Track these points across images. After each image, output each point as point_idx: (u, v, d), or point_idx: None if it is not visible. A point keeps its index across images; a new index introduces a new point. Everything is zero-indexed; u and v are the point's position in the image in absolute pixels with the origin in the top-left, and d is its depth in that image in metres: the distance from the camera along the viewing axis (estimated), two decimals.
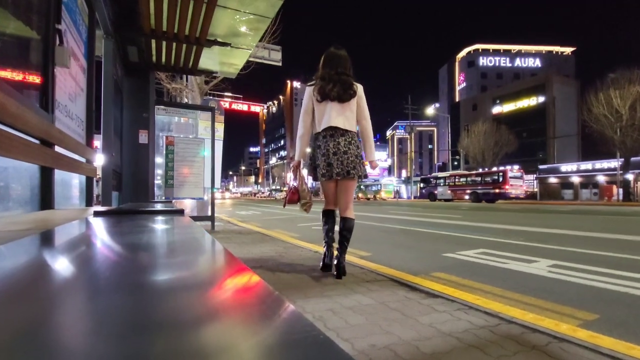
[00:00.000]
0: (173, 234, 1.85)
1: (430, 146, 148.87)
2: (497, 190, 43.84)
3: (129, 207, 3.45)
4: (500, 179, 43.77)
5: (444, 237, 9.43)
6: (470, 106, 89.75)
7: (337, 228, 4.96)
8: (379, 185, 71.73)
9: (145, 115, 8.73)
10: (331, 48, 5.02)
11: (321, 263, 5.09)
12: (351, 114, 4.87)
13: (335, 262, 4.86)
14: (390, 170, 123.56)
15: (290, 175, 5.33)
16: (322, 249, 6.18)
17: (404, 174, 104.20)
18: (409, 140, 79.03)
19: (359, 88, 4.91)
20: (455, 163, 77.08)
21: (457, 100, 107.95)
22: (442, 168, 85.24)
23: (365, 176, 4.93)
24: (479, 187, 46.00)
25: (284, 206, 5.24)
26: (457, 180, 49.69)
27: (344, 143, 4.80)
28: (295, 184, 5.22)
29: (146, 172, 8.64)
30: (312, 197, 5.32)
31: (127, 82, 8.56)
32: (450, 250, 7.34)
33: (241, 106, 60.90)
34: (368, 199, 68.50)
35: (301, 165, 5.09)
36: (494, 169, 49.46)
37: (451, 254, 6.87)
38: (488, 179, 45.30)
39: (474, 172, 49.76)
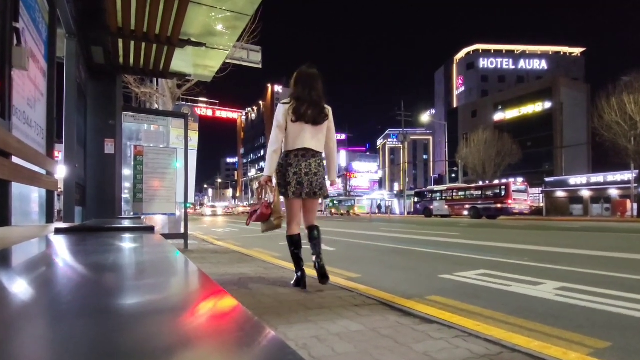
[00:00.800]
0: (142, 253, 1.87)
1: (425, 156, 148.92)
2: (499, 205, 43.81)
3: (93, 224, 3.44)
4: (503, 192, 43.82)
5: (440, 257, 9.47)
6: (469, 112, 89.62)
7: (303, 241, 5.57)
8: (353, 201, 75.49)
9: (111, 122, 8.66)
10: (303, 67, 5.60)
11: (293, 281, 5.78)
12: (322, 137, 5.57)
13: (315, 265, 5.57)
14: (381, 183, 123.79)
15: (254, 189, 5.73)
16: (308, 271, 6.35)
17: (396, 187, 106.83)
18: (402, 150, 79.25)
19: (329, 111, 5.61)
20: (453, 175, 77.42)
21: (455, 105, 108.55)
22: (439, 181, 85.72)
23: (327, 197, 5.79)
24: (479, 202, 46.06)
25: (247, 223, 5.90)
26: (455, 194, 49.99)
27: (315, 165, 5.51)
28: (268, 199, 5.79)
29: (113, 186, 8.56)
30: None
31: (92, 86, 8.50)
32: (447, 271, 7.37)
33: (218, 112, 60.70)
34: (342, 214, 71.20)
35: (272, 181, 5.60)
36: (496, 181, 49.92)
37: (448, 275, 6.93)
38: (489, 192, 45.42)
39: (473, 185, 50.42)
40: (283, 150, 5.48)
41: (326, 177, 5.76)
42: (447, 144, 76.15)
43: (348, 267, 7.82)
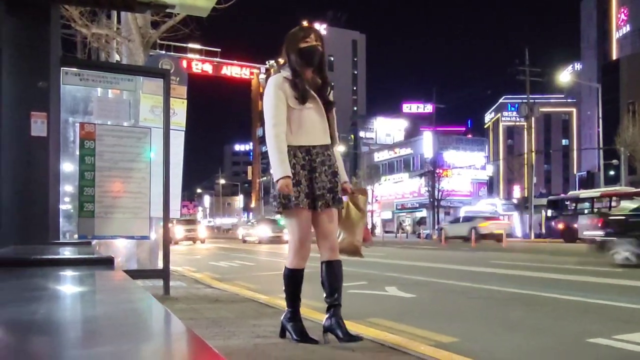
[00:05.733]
0: (92, 303, 1.41)
1: (565, 141, 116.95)
2: None
3: (12, 255, 2.89)
4: None
5: (591, 309, 7.57)
6: (638, 68, 69.05)
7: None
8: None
9: (41, 84, 6.31)
10: (297, 29, 4.87)
11: (293, 330, 4.66)
12: (327, 126, 4.92)
13: (328, 323, 4.55)
14: (491, 185, 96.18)
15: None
16: (361, 328, 5.44)
17: (517, 192, 77.41)
18: (525, 131, 60.76)
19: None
20: (612, 172, 58.67)
21: (614, 56, 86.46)
22: (587, 182, 66.69)
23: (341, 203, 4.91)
24: None
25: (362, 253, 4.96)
26: (614, 203, 36.18)
27: (327, 159, 4.74)
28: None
29: (44, 190, 6.38)
30: None
31: (9, 25, 6.33)
32: (603, 332, 5.73)
33: (221, 69, 45.64)
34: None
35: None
36: None
37: (605, 340, 5.34)
38: None
39: None
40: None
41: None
42: (601, 120, 57.19)
43: (437, 326, 6.12)
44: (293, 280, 4.79)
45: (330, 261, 4.74)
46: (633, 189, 38.30)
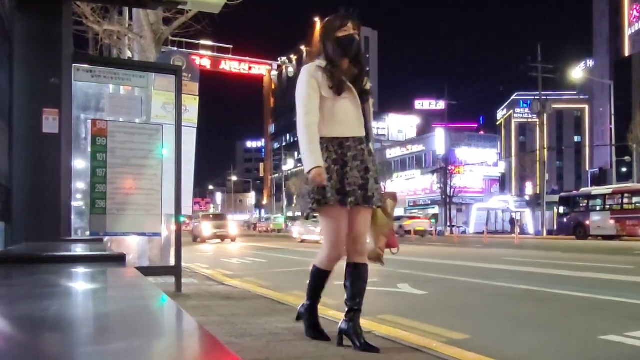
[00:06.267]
0: (105, 300, 1.45)
1: (577, 138, 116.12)
2: None
3: (24, 251, 2.98)
4: None
5: (603, 306, 7.53)
6: None
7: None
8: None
9: (53, 81, 6.31)
10: (334, 17, 4.67)
11: (306, 324, 4.69)
12: (362, 118, 4.71)
13: (345, 326, 4.37)
14: (503, 182, 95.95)
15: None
16: (373, 325, 5.44)
17: (529, 188, 78.16)
18: (538, 127, 60.85)
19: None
20: (624, 169, 59.94)
21: (627, 53, 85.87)
22: (600, 179, 64.91)
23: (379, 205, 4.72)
24: None
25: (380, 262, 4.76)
26: (626, 200, 36.28)
27: (371, 158, 4.64)
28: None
29: (56, 187, 6.39)
30: None
31: (22, 22, 6.40)
32: (614, 329, 5.68)
33: (232, 65, 44.53)
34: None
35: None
36: None
37: (617, 337, 5.30)
38: None
39: None
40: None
41: None
42: (613, 116, 57.57)
43: (449, 322, 6.09)
44: (318, 279, 4.64)
45: (357, 264, 4.54)
46: None
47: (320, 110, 4.48)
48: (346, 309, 4.50)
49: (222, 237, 38.21)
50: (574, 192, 48.80)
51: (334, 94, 4.44)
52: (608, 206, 36.58)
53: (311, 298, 4.73)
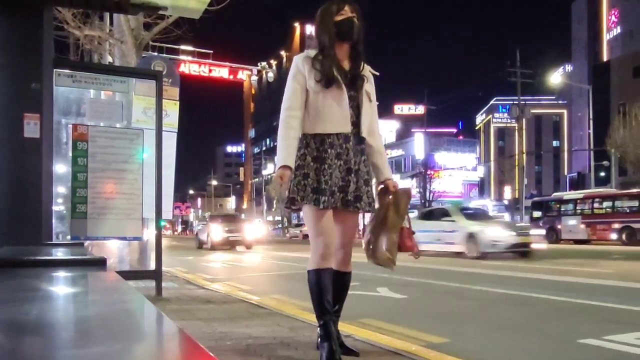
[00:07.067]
0: (86, 304, 1.43)
1: (556, 143, 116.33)
2: None
3: (5, 255, 3.04)
4: None
5: (580, 309, 7.58)
6: (629, 69, 68.21)
7: None
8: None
9: (34, 86, 6.33)
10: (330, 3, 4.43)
11: (325, 354, 4.01)
12: (349, 114, 4.35)
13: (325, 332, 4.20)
14: (482, 186, 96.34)
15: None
16: (352, 329, 5.40)
17: (508, 193, 79.75)
18: (517, 132, 61.46)
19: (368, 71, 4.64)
20: (602, 174, 59.10)
21: (605, 58, 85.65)
22: (578, 183, 64.93)
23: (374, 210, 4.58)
24: (638, 219, 33.05)
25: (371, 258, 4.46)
26: (596, 205, 36.29)
27: (360, 158, 4.34)
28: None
29: (37, 191, 6.35)
30: None
31: (2, 27, 6.39)
32: (592, 333, 5.73)
33: (213, 70, 44.58)
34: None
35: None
36: None
37: (595, 341, 5.34)
38: None
39: (630, 191, 36.53)
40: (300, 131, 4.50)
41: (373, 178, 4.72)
42: (592, 121, 57.05)
43: (428, 326, 6.08)
44: (317, 284, 4.10)
45: (341, 272, 4.36)
46: (615, 191, 38.55)
47: (306, 105, 4.28)
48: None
49: (235, 244, 30.06)
50: (546, 196, 49.59)
51: (321, 87, 4.17)
52: (579, 211, 36.71)
53: (320, 313, 4.13)
